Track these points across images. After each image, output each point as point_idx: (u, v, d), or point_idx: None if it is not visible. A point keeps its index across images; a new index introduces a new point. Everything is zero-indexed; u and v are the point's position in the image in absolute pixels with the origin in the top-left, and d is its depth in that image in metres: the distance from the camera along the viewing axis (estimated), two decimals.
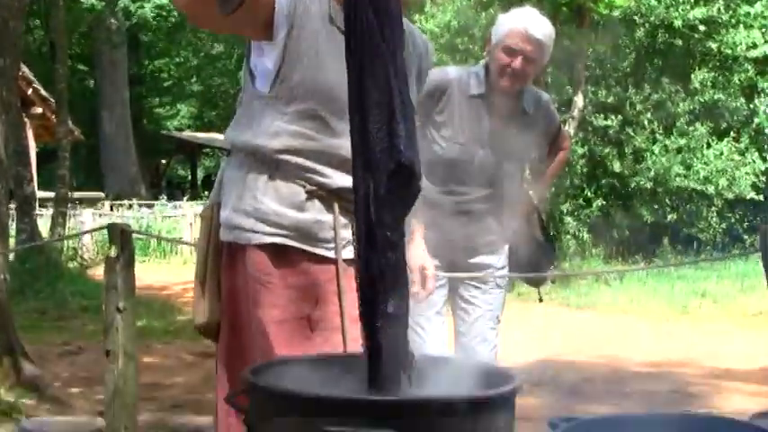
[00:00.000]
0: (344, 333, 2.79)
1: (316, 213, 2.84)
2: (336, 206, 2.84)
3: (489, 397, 2.01)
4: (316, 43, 2.77)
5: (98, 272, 15.66)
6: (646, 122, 18.85)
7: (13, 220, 13.03)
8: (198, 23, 2.85)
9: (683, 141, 18.66)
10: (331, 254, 2.85)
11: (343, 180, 2.79)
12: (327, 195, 2.84)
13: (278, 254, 2.81)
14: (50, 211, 18.42)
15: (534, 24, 4.35)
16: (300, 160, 2.80)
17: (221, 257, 2.95)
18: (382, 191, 2.02)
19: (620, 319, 12.14)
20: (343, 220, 2.83)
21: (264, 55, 2.79)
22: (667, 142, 18.72)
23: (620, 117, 18.84)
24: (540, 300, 5.58)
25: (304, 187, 2.82)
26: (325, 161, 2.81)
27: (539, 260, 4.90)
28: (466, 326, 4.65)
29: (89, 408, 6.30)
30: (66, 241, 16.54)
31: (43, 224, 17.40)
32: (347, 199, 2.76)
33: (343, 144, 2.70)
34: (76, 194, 20.73)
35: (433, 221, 4.46)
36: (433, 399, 2.03)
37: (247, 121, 2.86)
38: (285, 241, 2.82)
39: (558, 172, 5.06)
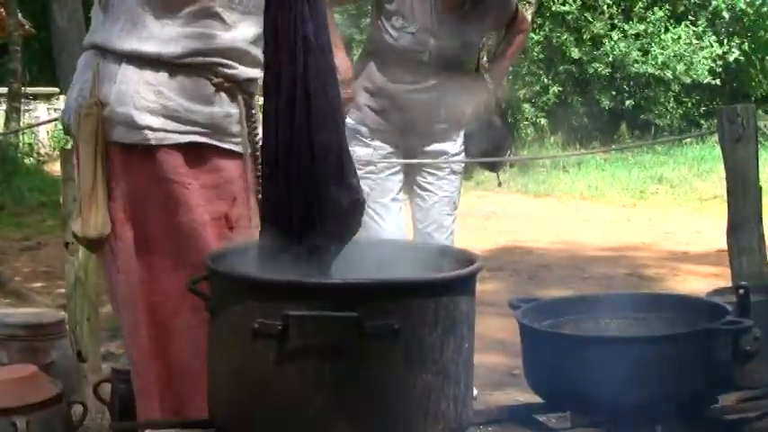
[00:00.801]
0: (252, 229, 2.71)
1: (225, 107, 2.73)
2: (241, 98, 2.75)
3: (452, 278, 2.03)
4: None
5: (54, 168, 15.56)
6: (605, 8, 18.77)
7: None
8: None
9: (641, 27, 18.62)
10: (239, 148, 2.77)
11: (246, 72, 2.73)
12: (233, 87, 2.73)
13: (191, 153, 2.67)
14: (3, 106, 18.17)
15: None
16: (203, 59, 2.66)
17: (110, 161, 2.65)
18: None
19: (577, 206, 12.25)
20: (244, 111, 2.76)
21: None
22: (626, 27, 18.68)
23: (578, 2, 18.74)
24: (500, 184, 5.61)
25: (210, 80, 2.68)
26: (227, 55, 2.69)
27: (496, 144, 4.91)
28: (422, 212, 4.67)
29: (51, 302, 6.30)
30: (21, 137, 16.36)
31: None
32: (249, 92, 2.78)
33: (238, 35, 2.69)
34: (30, 89, 20.42)
35: (386, 109, 4.47)
36: (395, 280, 2.04)
37: (125, 26, 2.64)
38: (199, 138, 2.68)
39: (515, 54, 5.01)
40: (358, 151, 4.42)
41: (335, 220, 2.16)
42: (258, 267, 2.15)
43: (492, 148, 4.89)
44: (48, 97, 22.56)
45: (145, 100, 2.62)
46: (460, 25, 4.44)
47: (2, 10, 18.37)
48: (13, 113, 16.32)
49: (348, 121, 4.54)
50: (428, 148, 4.63)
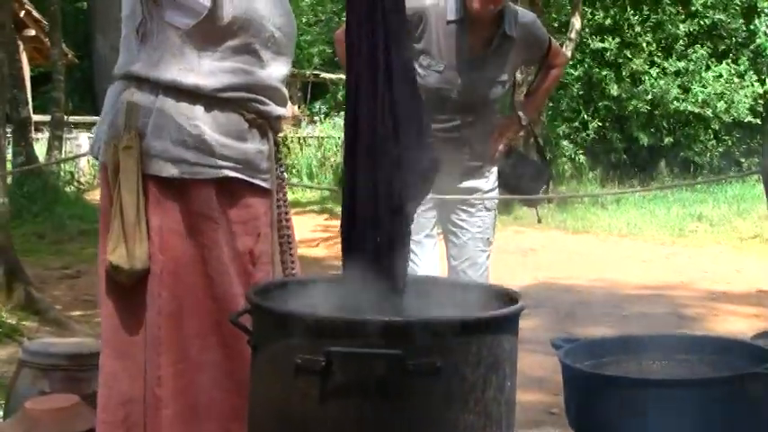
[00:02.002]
0: (274, 265, 2.78)
1: (257, 143, 2.77)
2: (270, 135, 2.79)
3: (495, 317, 2.03)
4: None
5: (95, 195, 15.65)
6: (644, 45, 18.73)
7: (9, 145, 12.98)
8: None
9: (681, 64, 18.56)
10: (267, 185, 2.79)
11: (277, 110, 2.78)
12: (264, 124, 2.78)
13: (223, 187, 2.71)
14: (46, 134, 18.32)
15: None
16: (240, 94, 2.70)
17: (146, 193, 2.67)
18: None
19: (616, 243, 12.17)
20: (273, 149, 2.80)
21: None
22: (665, 65, 18.62)
23: (617, 39, 18.72)
24: (539, 220, 5.55)
25: (243, 116, 2.72)
26: (261, 92, 2.74)
27: (533, 180, 4.88)
28: (456, 249, 4.64)
29: (90, 331, 6.32)
30: (62, 165, 16.47)
31: (39, 148, 17.30)
32: (277, 129, 2.83)
33: (272, 73, 2.75)
34: (72, 118, 20.61)
35: None
36: (438, 319, 2.04)
37: (165, 56, 2.68)
38: (232, 174, 2.71)
39: (551, 89, 4.95)
40: None
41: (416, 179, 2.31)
42: (304, 303, 2.16)
43: (528, 184, 4.87)
44: (89, 126, 22.74)
45: (181, 134, 2.65)
46: (489, 62, 4.41)
47: (46, 39, 18.58)
48: (55, 142, 16.44)
49: None
50: (461, 185, 4.60)
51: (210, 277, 2.69)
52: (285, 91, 2.84)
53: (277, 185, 2.81)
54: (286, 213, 2.85)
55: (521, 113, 4.68)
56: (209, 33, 2.66)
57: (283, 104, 2.83)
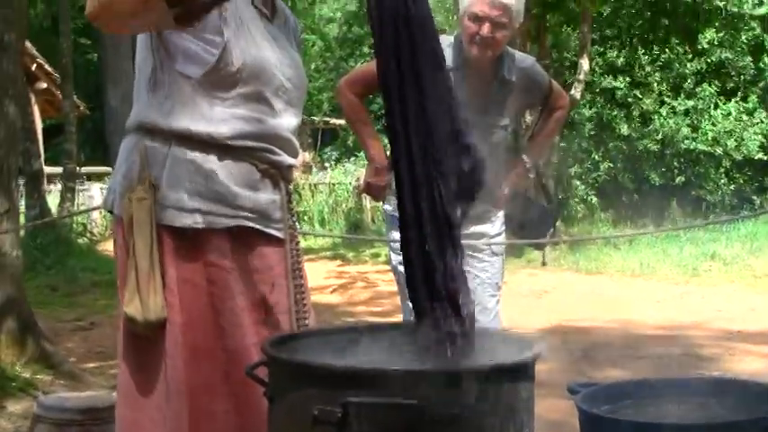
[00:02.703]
0: (290, 315, 2.76)
1: (269, 193, 2.77)
2: (282, 185, 2.79)
3: (511, 365, 2.02)
4: (248, 25, 2.70)
5: (107, 247, 15.69)
6: (655, 84, 18.80)
7: (22, 197, 13.04)
8: (110, 28, 2.73)
9: (690, 103, 18.61)
10: (281, 234, 2.79)
11: (288, 160, 2.78)
12: (276, 174, 2.77)
13: (237, 237, 2.71)
14: (59, 186, 18.42)
15: None
16: (252, 143, 2.70)
17: (161, 244, 2.66)
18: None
19: (630, 283, 12.15)
20: (286, 198, 2.80)
21: (189, 37, 2.64)
22: (675, 104, 18.67)
23: (627, 78, 18.80)
24: (544, 263, 5.53)
25: (256, 166, 2.72)
26: (272, 141, 2.74)
27: (539, 223, 4.87)
28: None
29: (105, 383, 6.31)
30: (75, 217, 16.55)
31: (52, 200, 17.39)
32: (289, 179, 2.83)
33: (283, 123, 2.75)
34: (84, 169, 20.71)
35: None
36: (455, 368, 2.03)
37: (176, 106, 2.68)
38: (245, 223, 2.72)
39: (555, 131, 4.90)
40: (397, 237, 4.43)
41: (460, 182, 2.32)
42: (318, 353, 2.16)
43: (535, 227, 4.86)
44: (101, 177, 22.85)
45: (195, 183, 2.66)
46: (490, 107, 4.39)
47: (57, 92, 18.72)
48: (67, 193, 16.52)
49: (386, 207, 4.55)
50: (467, 231, 4.58)
51: (223, 328, 2.68)
52: (296, 142, 2.84)
53: (290, 235, 2.81)
54: (299, 263, 2.84)
55: (525, 157, 4.67)
56: (220, 81, 2.66)
57: (294, 155, 2.83)
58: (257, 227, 2.74)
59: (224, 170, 2.68)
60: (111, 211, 2.84)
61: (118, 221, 2.75)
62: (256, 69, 2.68)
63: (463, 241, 4.46)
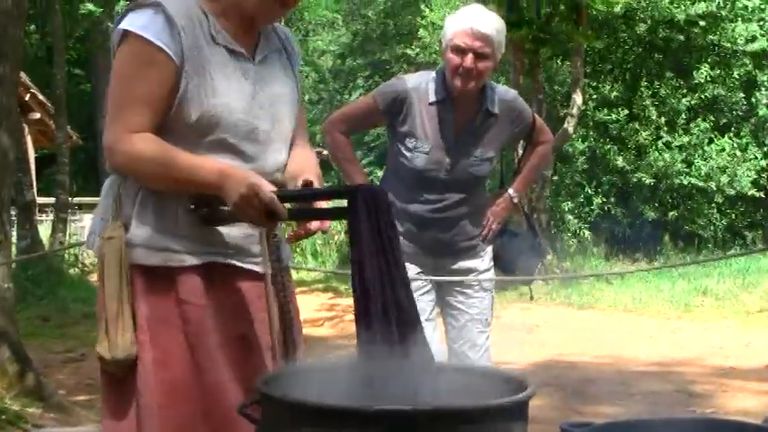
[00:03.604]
0: (274, 349, 2.73)
1: (244, 227, 2.72)
2: None
3: (505, 404, 2.00)
4: (209, 71, 2.65)
5: None
6: (654, 116, 18.87)
7: (13, 227, 13.00)
8: None
9: (685, 138, 18.67)
10: (259, 268, 2.76)
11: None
12: None
13: (210, 273, 2.69)
14: (51, 216, 18.40)
15: (479, 20, 4.28)
16: None
17: (133, 283, 2.66)
18: None
19: (622, 318, 12.13)
20: (265, 232, 2.73)
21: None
22: (669, 138, 18.73)
23: (624, 112, 18.87)
24: (531, 298, 5.54)
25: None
26: None
27: (527, 257, 4.87)
28: (455, 332, 4.60)
29: (94, 416, 6.26)
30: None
31: (44, 230, 17.37)
32: None
33: (258, 167, 2.68)
34: (76, 199, 20.68)
35: (410, 231, 4.44)
36: (448, 407, 2.02)
37: None
38: (218, 259, 2.70)
39: (539, 167, 4.92)
40: None
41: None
42: (311, 390, 2.14)
43: (523, 262, 4.86)
44: (93, 207, 22.79)
45: (164, 222, 2.65)
46: (475, 140, 4.43)
47: (51, 122, 18.72)
48: (59, 224, 16.49)
49: None
50: (456, 267, 4.58)
51: (199, 365, 2.66)
52: (278, 176, 2.78)
53: (277, 268, 2.76)
54: (286, 297, 2.77)
55: (511, 191, 4.68)
56: (182, 131, 2.64)
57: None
58: (232, 262, 2.73)
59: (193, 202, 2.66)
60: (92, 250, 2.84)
61: (98, 261, 2.74)
62: (215, 119, 2.64)
63: (452, 277, 4.49)
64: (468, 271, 4.59)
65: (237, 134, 2.68)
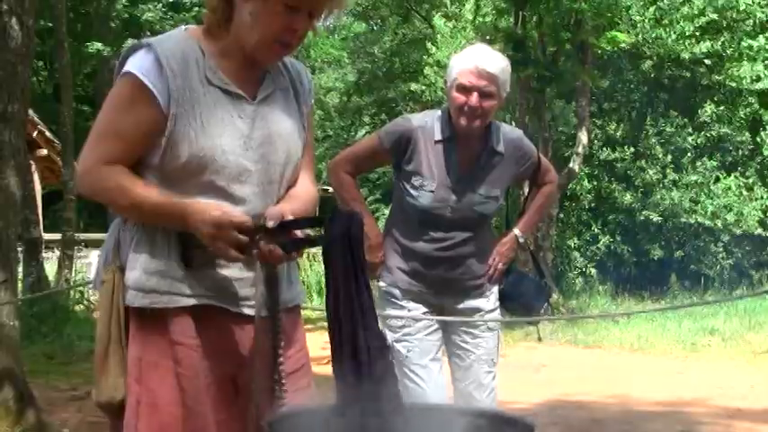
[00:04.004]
0: (268, 393, 2.69)
1: (235, 271, 2.71)
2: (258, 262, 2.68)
3: None
4: (199, 112, 2.64)
5: None
6: (660, 155, 18.89)
7: (20, 263, 13.01)
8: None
9: (692, 177, 18.68)
10: (253, 312, 2.72)
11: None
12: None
13: (199, 315, 2.67)
14: (57, 253, 18.39)
15: (484, 59, 4.29)
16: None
17: (126, 325, 2.66)
18: None
19: (628, 358, 12.09)
20: (262, 274, 2.69)
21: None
22: (676, 176, 18.74)
23: (630, 150, 18.91)
24: (539, 339, 5.52)
25: None
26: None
27: (534, 298, 4.85)
28: (461, 372, 4.57)
29: None
30: (72, 283, 16.49)
31: (50, 267, 17.35)
32: None
33: (249, 209, 2.66)
34: (82, 236, 20.70)
35: (416, 270, 4.44)
36: None
37: None
38: (207, 302, 2.68)
39: (545, 207, 4.92)
40: (393, 313, 4.43)
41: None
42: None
43: (530, 302, 4.85)
44: (98, 243, 22.79)
45: (153, 264, 2.64)
46: (480, 178, 4.43)
47: (58, 158, 18.77)
48: (65, 261, 16.48)
49: (380, 284, 4.53)
50: (461, 306, 4.56)
51: (188, 407, 2.65)
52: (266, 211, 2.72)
53: (271, 311, 2.71)
54: (280, 341, 2.73)
55: (516, 231, 4.68)
56: (173, 172, 2.64)
57: None
58: (219, 305, 2.71)
59: (183, 249, 2.66)
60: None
61: None
62: (204, 161, 2.63)
63: (458, 318, 4.49)
64: (475, 310, 4.57)
65: (227, 176, 2.66)
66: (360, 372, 2.29)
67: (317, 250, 20.60)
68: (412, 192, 4.37)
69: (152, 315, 2.65)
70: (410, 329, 4.45)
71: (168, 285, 2.64)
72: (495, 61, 4.32)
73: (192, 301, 2.66)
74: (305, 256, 19.69)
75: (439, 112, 4.50)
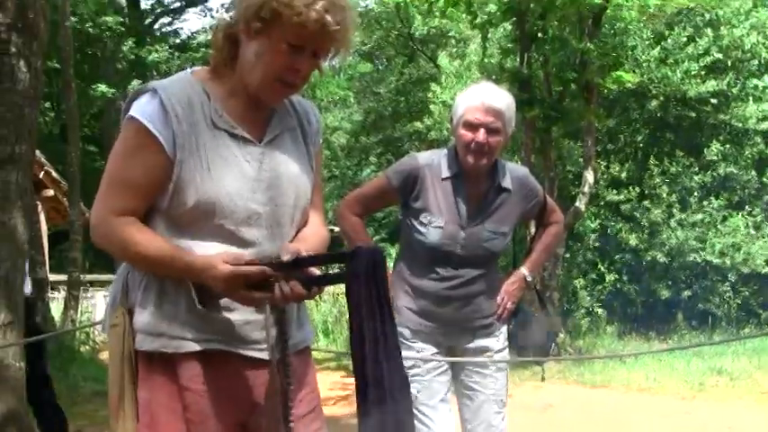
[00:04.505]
0: None
1: (245, 314, 2.70)
2: (268, 305, 2.69)
3: None
4: (205, 157, 2.65)
5: None
6: (664, 195, 18.87)
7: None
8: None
9: (698, 216, 18.65)
10: (263, 355, 2.73)
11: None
12: None
13: (209, 359, 2.67)
14: (62, 293, 18.39)
15: (490, 95, 4.34)
16: None
17: (135, 368, 2.68)
18: None
19: (636, 398, 12.02)
20: (272, 317, 2.70)
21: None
22: (682, 216, 18.72)
23: (636, 190, 18.90)
24: (543, 379, 5.50)
25: None
26: None
27: (541, 338, 4.84)
28: (470, 412, 4.56)
29: None
30: (77, 324, 16.49)
31: (56, 307, 17.37)
32: None
33: (259, 251, 2.67)
34: (88, 277, 20.71)
35: (425, 309, 4.42)
36: None
37: None
38: (216, 346, 2.67)
39: (552, 247, 4.93)
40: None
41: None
42: None
43: (537, 343, 4.83)
44: (104, 284, 22.81)
45: (162, 308, 2.65)
46: (488, 214, 4.45)
47: (64, 199, 18.80)
48: (71, 302, 16.49)
49: None
50: (471, 345, 4.55)
51: None
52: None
53: (282, 354, 2.72)
54: (290, 384, 2.75)
55: (524, 270, 4.68)
56: (181, 216, 2.65)
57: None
58: (229, 349, 2.70)
59: (194, 293, 2.64)
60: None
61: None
62: (211, 205, 2.63)
63: (468, 359, 4.47)
64: (484, 350, 4.56)
65: (235, 220, 2.66)
66: (384, 409, 2.31)
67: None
68: (420, 229, 4.38)
69: (161, 359, 2.65)
70: (419, 370, 4.44)
71: (177, 330, 2.63)
72: (500, 98, 4.36)
73: (200, 346, 2.65)
74: None
75: (445, 151, 4.53)
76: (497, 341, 4.59)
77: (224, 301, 2.66)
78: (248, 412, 2.73)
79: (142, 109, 2.64)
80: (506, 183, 4.48)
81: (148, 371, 2.66)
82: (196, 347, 2.65)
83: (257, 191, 2.71)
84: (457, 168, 4.41)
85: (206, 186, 2.62)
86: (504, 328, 4.64)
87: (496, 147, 4.36)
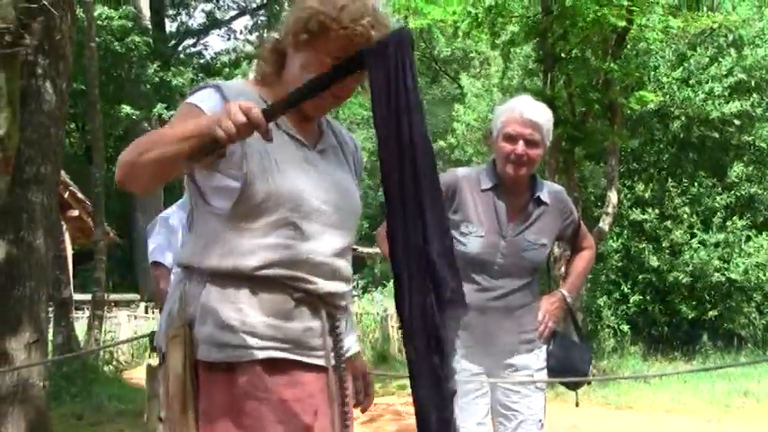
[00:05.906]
0: None
1: (306, 321, 2.73)
2: (324, 312, 2.76)
3: None
4: (273, 154, 2.70)
5: (133, 374, 15.64)
6: (685, 216, 18.80)
7: (50, 324, 13.06)
8: (140, 192, 2.68)
9: (721, 236, 18.57)
10: (322, 362, 2.76)
11: (327, 285, 2.75)
12: (314, 300, 2.75)
13: (271, 367, 2.68)
14: (86, 313, 18.46)
15: (529, 108, 4.38)
16: (282, 271, 2.68)
17: (197, 379, 2.68)
18: None
19: (661, 419, 11.94)
20: (327, 325, 2.77)
21: (216, 174, 2.69)
22: (705, 236, 18.64)
23: (657, 211, 18.83)
24: (577, 404, 5.46)
25: (291, 295, 2.70)
26: (304, 268, 2.71)
27: (580, 362, 4.79)
28: None
29: None
30: (101, 343, 16.55)
31: (79, 327, 17.41)
32: (333, 304, 2.79)
33: (315, 247, 2.72)
34: (112, 296, 20.78)
35: (469, 323, 4.38)
36: None
37: (208, 243, 2.71)
38: (278, 354, 2.68)
39: (586, 271, 4.92)
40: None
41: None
42: None
43: (577, 366, 4.78)
44: (128, 304, 22.88)
45: (225, 318, 2.65)
46: (528, 225, 4.47)
47: (89, 219, 18.89)
48: (95, 321, 16.54)
49: None
50: (510, 361, 4.50)
51: None
52: (338, 264, 2.80)
53: (338, 360, 2.79)
54: (345, 389, 2.82)
55: (564, 292, 4.66)
56: (246, 213, 2.67)
57: (338, 278, 2.80)
58: (291, 356, 2.71)
59: (255, 302, 2.67)
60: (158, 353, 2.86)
61: (164, 361, 2.76)
62: (281, 197, 2.68)
63: (505, 378, 4.44)
64: (524, 368, 4.52)
65: (301, 213, 2.71)
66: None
67: None
68: (461, 239, 4.38)
69: (222, 369, 2.66)
70: (460, 391, 4.40)
71: (240, 339, 2.65)
72: (539, 110, 4.41)
73: (264, 354, 2.67)
74: None
75: (484, 165, 4.59)
76: (537, 359, 4.55)
77: (284, 310, 2.70)
78: (311, 418, 2.73)
79: (203, 99, 2.68)
80: (544, 196, 4.52)
81: (208, 381, 2.67)
82: (258, 355, 2.66)
83: (319, 189, 2.76)
84: (496, 180, 4.45)
85: (276, 179, 2.67)
86: (544, 348, 4.60)
87: (535, 158, 4.40)
